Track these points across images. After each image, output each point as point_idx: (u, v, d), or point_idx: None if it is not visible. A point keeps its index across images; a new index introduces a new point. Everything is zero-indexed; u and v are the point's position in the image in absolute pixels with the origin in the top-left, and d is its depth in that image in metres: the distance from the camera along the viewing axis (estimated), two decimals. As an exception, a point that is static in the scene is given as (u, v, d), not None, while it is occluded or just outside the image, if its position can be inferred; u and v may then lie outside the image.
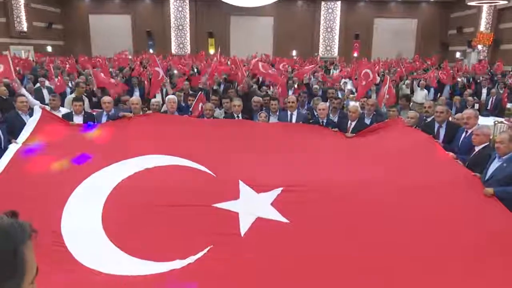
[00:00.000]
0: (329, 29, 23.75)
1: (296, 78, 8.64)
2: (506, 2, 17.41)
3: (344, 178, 3.23)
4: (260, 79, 9.35)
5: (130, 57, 17.06)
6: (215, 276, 2.36)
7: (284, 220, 2.76)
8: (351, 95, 8.41)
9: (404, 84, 10.23)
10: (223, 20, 23.27)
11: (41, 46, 20.47)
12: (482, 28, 20.10)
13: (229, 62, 11.92)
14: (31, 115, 4.12)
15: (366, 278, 2.29)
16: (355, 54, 22.71)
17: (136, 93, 7.77)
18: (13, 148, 3.40)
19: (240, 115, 5.00)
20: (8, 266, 0.68)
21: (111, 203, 2.87)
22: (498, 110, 8.58)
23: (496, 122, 7.25)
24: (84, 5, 23.24)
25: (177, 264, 2.40)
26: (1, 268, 0.67)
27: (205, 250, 2.49)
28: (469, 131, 3.88)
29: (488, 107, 8.74)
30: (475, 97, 8.57)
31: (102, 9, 23.20)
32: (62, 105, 5.72)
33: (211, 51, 22.07)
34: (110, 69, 11.40)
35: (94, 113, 5.14)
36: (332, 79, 10.26)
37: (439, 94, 9.56)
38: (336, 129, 4.38)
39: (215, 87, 7.95)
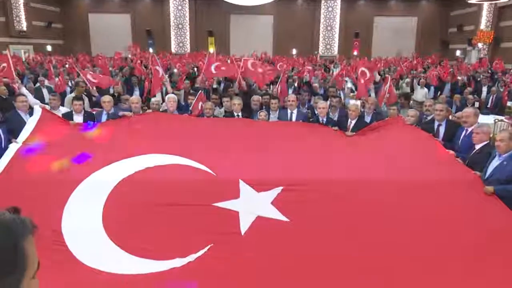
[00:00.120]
0: (329, 28, 23.71)
1: (296, 77, 8.61)
2: (506, 0, 17.39)
3: (344, 177, 3.23)
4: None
5: (129, 55, 17.03)
6: (215, 274, 2.37)
7: (284, 219, 2.76)
8: (351, 94, 8.40)
9: (404, 82, 10.22)
10: (223, 18, 23.24)
11: (40, 46, 20.46)
12: (482, 26, 20.06)
13: (228, 61, 11.90)
14: (31, 114, 4.12)
15: (366, 277, 2.29)
16: (355, 53, 22.68)
17: (136, 92, 7.77)
18: (13, 148, 3.40)
19: (240, 114, 5.00)
20: (9, 260, 0.69)
21: (111, 202, 2.87)
22: (498, 108, 8.57)
23: (496, 120, 7.25)
24: (83, 4, 23.21)
25: (178, 262, 2.41)
26: (2, 262, 0.68)
27: (206, 249, 2.49)
28: (469, 130, 3.87)
29: (488, 105, 8.73)
30: (475, 96, 8.56)
31: (102, 8, 23.17)
32: (62, 105, 5.72)
33: (211, 49, 22.05)
34: (110, 69, 11.40)
35: (94, 112, 5.14)
36: (332, 77, 10.25)
37: (439, 93, 9.54)
38: (336, 127, 4.38)
39: (215, 86, 7.94)
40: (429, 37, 23.44)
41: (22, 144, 3.46)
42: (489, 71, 13.26)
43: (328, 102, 5.12)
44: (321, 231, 2.66)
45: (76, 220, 2.72)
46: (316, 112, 4.81)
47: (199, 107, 5.27)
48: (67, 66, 12.16)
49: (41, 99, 6.69)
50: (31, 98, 5.45)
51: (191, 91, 6.72)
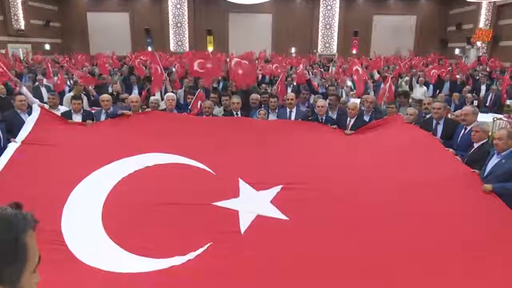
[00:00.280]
0: (328, 26, 23.69)
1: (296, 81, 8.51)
2: (505, -2, 17.40)
3: (343, 175, 3.23)
4: (259, 77, 9.34)
5: (126, 53, 16.98)
6: (215, 272, 2.37)
7: (284, 217, 2.77)
8: (351, 92, 8.42)
9: (403, 81, 10.23)
10: (221, 17, 23.20)
11: (39, 44, 20.41)
12: (481, 24, 20.06)
13: (228, 59, 11.90)
14: (29, 113, 4.11)
15: (366, 275, 2.30)
16: (354, 51, 22.68)
17: (135, 91, 7.76)
18: (12, 147, 3.39)
19: (239, 113, 5.00)
20: (10, 252, 0.72)
21: (111, 201, 2.87)
22: (497, 107, 8.59)
23: (495, 119, 7.26)
24: (82, 2, 23.14)
25: (177, 260, 2.41)
26: (3, 253, 0.71)
27: (205, 247, 2.49)
28: (468, 128, 3.88)
29: (487, 104, 8.75)
30: (474, 94, 8.58)
31: (100, 6, 23.10)
32: (61, 104, 5.71)
33: (210, 48, 22.02)
34: (109, 68, 11.38)
35: (93, 111, 5.13)
36: (330, 76, 10.26)
37: (438, 91, 9.56)
38: (335, 126, 4.38)
39: (214, 85, 7.94)
40: (428, 36, 23.45)
41: (21, 144, 3.46)
42: (487, 70, 13.30)
43: (327, 101, 5.12)
44: (320, 230, 2.67)
45: (76, 219, 2.72)
46: (315, 111, 4.81)
47: (198, 106, 5.26)
48: (64, 65, 12.13)
49: (40, 98, 6.68)
50: (30, 97, 5.44)
51: (190, 90, 6.72)
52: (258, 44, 20.62)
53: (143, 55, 13.53)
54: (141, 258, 2.43)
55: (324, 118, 4.69)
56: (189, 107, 5.47)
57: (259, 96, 5.74)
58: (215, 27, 22.96)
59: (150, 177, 3.15)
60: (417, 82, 9.48)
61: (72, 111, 4.63)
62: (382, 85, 6.91)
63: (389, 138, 3.88)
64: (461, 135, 3.99)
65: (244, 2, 19.24)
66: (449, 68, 11.59)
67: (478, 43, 19.98)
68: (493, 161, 3.15)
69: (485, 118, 6.43)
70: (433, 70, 10.20)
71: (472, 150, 3.59)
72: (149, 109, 4.91)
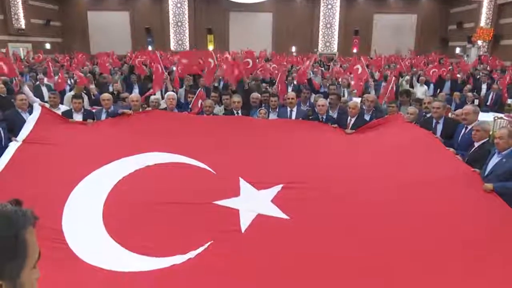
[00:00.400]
0: (328, 25, 23.66)
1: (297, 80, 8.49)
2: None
3: (344, 174, 3.23)
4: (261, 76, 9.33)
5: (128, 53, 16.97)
6: (216, 271, 2.37)
7: (284, 216, 2.77)
8: (353, 91, 8.40)
9: (404, 80, 10.22)
10: (222, 16, 23.18)
11: (39, 43, 20.40)
12: (482, 23, 20.02)
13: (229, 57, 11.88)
14: (30, 112, 4.12)
15: (366, 274, 2.30)
16: (355, 50, 22.65)
17: (136, 90, 7.76)
18: (13, 146, 3.39)
19: (240, 112, 5.00)
20: (10, 248, 0.72)
21: (111, 200, 2.88)
22: (498, 106, 8.57)
23: (496, 118, 7.25)
24: (82, 1, 23.13)
25: (178, 259, 2.41)
26: (3, 249, 0.72)
27: (206, 246, 2.50)
28: (469, 127, 3.88)
29: (488, 103, 8.73)
30: (474, 93, 8.56)
31: (101, 6, 23.10)
32: (62, 103, 5.71)
33: (210, 47, 22.00)
34: (110, 67, 11.38)
35: (94, 110, 5.14)
36: (331, 75, 10.25)
37: (438, 90, 9.55)
38: (336, 125, 4.38)
39: (215, 84, 7.94)
40: (428, 35, 23.41)
41: (22, 143, 3.46)
42: (487, 69, 13.29)
43: (328, 100, 5.12)
44: (321, 229, 2.67)
45: (77, 218, 2.72)
46: (315, 110, 4.81)
47: (199, 105, 5.26)
48: (64, 65, 12.13)
49: (40, 97, 6.69)
50: (31, 96, 5.45)
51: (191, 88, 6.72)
52: (259, 43, 20.60)
53: (142, 55, 13.51)
54: (142, 257, 2.44)
55: (324, 117, 4.69)
56: (190, 106, 5.47)
57: (259, 95, 5.74)
58: (215, 26, 22.95)
59: (151, 177, 3.15)
60: (418, 81, 9.47)
61: (72, 110, 4.64)
62: (383, 84, 6.91)
63: (389, 137, 3.88)
64: (461, 134, 3.99)
65: (245, 1, 19.26)
66: (449, 67, 11.57)
67: (479, 42, 19.95)
68: (494, 160, 3.15)
69: (486, 117, 6.43)
70: (433, 69, 10.19)
71: (473, 149, 3.59)
72: (150, 108, 4.91)
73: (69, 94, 6.34)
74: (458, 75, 10.86)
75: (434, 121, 4.35)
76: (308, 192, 3.01)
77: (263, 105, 5.52)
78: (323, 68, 13.74)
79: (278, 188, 3.01)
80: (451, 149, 3.54)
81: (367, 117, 4.89)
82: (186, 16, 23.22)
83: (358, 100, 5.92)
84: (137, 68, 9.54)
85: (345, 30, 23.48)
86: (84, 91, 6.57)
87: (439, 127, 4.31)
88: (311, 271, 2.35)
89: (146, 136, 3.73)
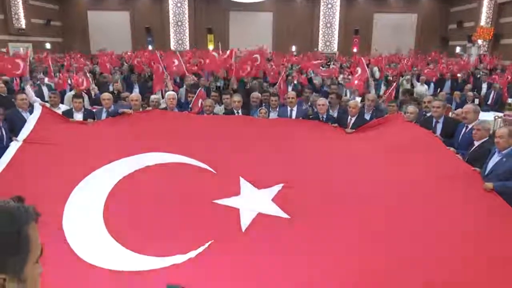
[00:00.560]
0: (328, 25, 23.63)
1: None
2: (506, -4, 17.33)
3: (344, 173, 3.24)
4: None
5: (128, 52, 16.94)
6: (216, 270, 2.38)
7: (285, 215, 2.77)
8: (356, 90, 8.39)
9: (404, 79, 10.21)
10: (222, 15, 23.16)
11: (39, 43, 20.39)
12: (482, 22, 19.99)
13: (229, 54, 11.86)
14: (31, 112, 4.12)
15: (366, 273, 2.31)
16: (355, 50, 22.63)
17: (136, 90, 7.76)
18: (14, 146, 3.40)
19: (240, 111, 5.00)
20: (13, 244, 0.74)
21: (112, 200, 2.88)
22: (498, 105, 8.57)
23: (496, 117, 7.25)
24: (82, 1, 23.11)
25: (178, 259, 2.42)
26: (6, 245, 0.73)
27: (206, 245, 2.50)
28: (469, 126, 3.88)
29: (489, 102, 8.72)
30: (475, 92, 8.55)
31: (101, 5, 23.08)
32: (62, 102, 5.72)
33: (210, 47, 21.98)
34: (109, 66, 11.35)
35: (94, 110, 5.14)
36: (329, 73, 10.23)
37: (439, 89, 9.55)
38: (336, 124, 4.38)
39: (218, 84, 7.94)
40: (429, 34, 23.37)
41: (23, 142, 3.47)
42: (487, 68, 13.28)
43: (328, 99, 5.12)
44: (321, 228, 2.67)
45: (77, 218, 2.73)
46: (315, 109, 4.81)
47: (199, 105, 5.26)
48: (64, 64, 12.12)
49: (41, 97, 6.69)
50: (31, 96, 5.45)
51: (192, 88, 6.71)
52: (259, 43, 20.45)
53: (141, 56, 13.51)
54: (142, 256, 2.44)
55: (325, 116, 4.69)
56: (190, 105, 5.47)
57: (260, 94, 5.74)
58: (215, 26, 22.93)
59: (151, 176, 3.16)
60: (418, 81, 9.46)
61: (73, 110, 4.64)
62: (383, 86, 6.92)
63: (389, 136, 3.88)
64: (462, 133, 3.99)
65: (245, 1, 19.23)
66: (442, 65, 11.60)
67: (479, 41, 19.92)
68: (494, 159, 3.15)
69: (486, 116, 6.43)
70: (427, 69, 10.23)
71: (473, 148, 3.59)
72: (150, 108, 4.91)
73: (69, 94, 6.33)
74: (459, 75, 10.85)
75: (434, 120, 4.35)
76: (309, 191, 3.01)
77: (263, 104, 5.52)
78: (323, 68, 13.72)
79: (278, 187, 3.01)
80: (451, 148, 3.54)
81: (367, 117, 4.89)
82: (186, 16, 23.20)
83: (357, 99, 5.93)
84: (136, 66, 9.54)
85: (345, 30, 23.44)
86: (85, 91, 6.56)
87: (439, 126, 4.30)
88: (311, 270, 2.35)
89: (146, 135, 3.73)
